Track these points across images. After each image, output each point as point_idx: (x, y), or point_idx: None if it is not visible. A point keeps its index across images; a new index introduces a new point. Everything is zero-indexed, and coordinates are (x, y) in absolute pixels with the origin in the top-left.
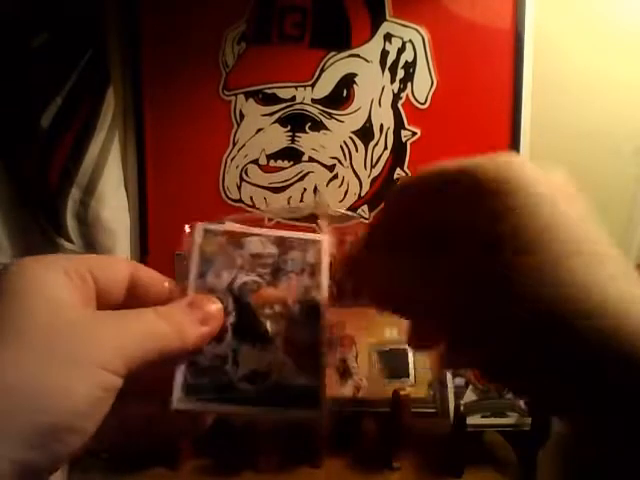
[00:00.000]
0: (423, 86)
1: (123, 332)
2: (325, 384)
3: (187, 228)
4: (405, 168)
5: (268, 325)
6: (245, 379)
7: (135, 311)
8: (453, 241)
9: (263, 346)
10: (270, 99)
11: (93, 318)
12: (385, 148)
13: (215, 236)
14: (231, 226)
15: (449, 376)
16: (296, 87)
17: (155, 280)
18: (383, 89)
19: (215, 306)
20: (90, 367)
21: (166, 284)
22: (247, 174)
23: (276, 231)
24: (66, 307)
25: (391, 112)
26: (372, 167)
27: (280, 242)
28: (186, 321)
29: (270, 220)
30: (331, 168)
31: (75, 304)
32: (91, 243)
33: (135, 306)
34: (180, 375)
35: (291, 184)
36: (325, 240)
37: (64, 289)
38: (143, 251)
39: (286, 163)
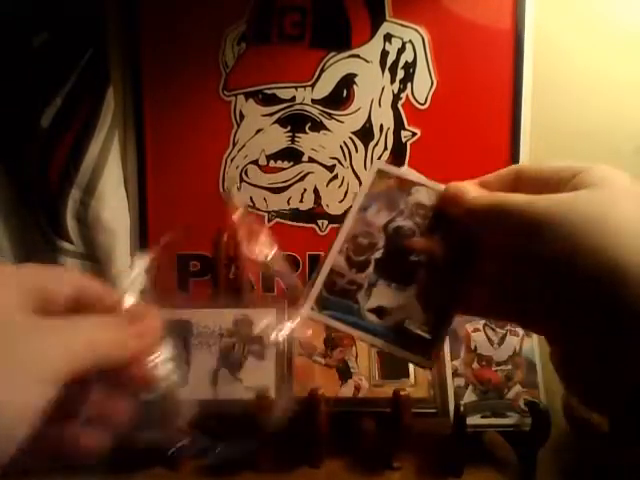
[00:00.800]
0: (423, 86)
1: (64, 339)
2: (443, 342)
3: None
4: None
5: (410, 270)
6: (372, 311)
7: (78, 317)
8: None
9: (399, 287)
10: (270, 99)
11: (34, 324)
12: (385, 148)
13: (387, 177)
14: (407, 172)
15: (449, 376)
16: (296, 87)
17: (103, 293)
18: (383, 89)
19: (153, 321)
20: (23, 377)
21: (114, 297)
22: (247, 174)
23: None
24: (9, 311)
25: (391, 112)
26: None
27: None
28: (126, 333)
29: (270, 221)
30: (331, 168)
31: (19, 309)
32: (91, 243)
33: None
34: (317, 288)
35: (291, 184)
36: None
37: (9, 294)
38: (143, 251)
39: (286, 164)
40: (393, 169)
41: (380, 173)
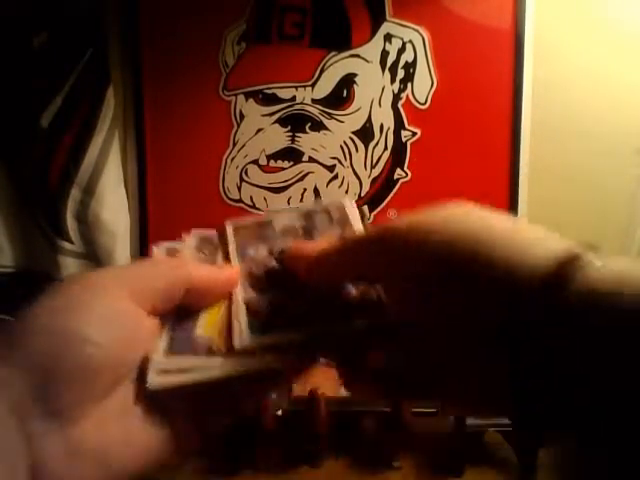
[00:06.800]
0: (423, 86)
1: None
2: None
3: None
4: (405, 168)
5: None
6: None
7: None
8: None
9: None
10: (270, 99)
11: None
12: (385, 148)
13: (242, 228)
14: (256, 216)
15: None
16: (296, 87)
17: (212, 281)
18: (383, 89)
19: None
20: None
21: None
22: (247, 174)
23: (297, 206)
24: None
25: (391, 112)
26: (372, 167)
27: (306, 215)
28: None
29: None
30: (331, 168)
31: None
32: (91, 243)
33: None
34: (239, 319)
35: (291, 184)
36: (347, 198)
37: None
38: (143, 251)
39: (286, 163)
40: (242, 220)
41: (235, 229)
